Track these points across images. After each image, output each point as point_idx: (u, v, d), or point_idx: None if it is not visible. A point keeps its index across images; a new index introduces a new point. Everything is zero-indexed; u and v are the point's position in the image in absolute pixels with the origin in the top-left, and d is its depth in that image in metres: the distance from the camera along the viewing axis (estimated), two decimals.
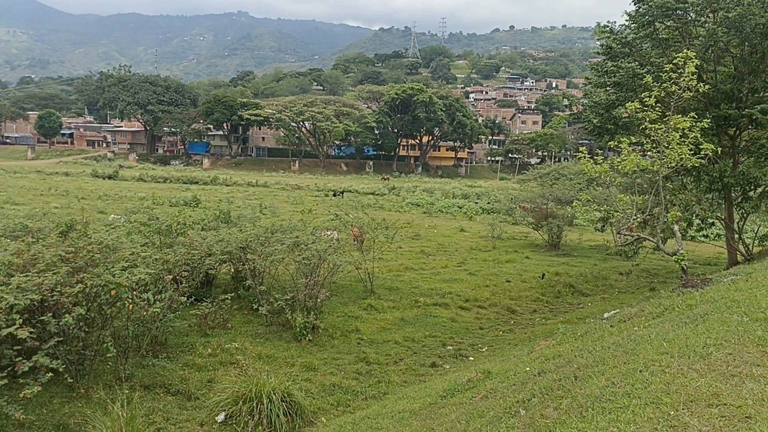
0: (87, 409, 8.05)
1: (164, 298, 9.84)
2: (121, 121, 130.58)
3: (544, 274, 18.96)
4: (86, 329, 8.51)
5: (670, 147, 11.55)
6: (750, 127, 17.09)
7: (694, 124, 11.80)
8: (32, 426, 7.51)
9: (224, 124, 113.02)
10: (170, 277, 10.25)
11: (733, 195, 17.78)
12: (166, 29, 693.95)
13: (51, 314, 7.76)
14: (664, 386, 4.59)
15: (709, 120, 13.67)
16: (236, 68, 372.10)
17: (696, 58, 12.35)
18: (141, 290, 9.24)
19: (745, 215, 18.46)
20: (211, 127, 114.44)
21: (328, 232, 17.96)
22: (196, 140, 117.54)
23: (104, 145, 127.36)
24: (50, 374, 7.27)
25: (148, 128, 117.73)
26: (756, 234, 20.51)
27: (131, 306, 8.66)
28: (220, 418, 8.34)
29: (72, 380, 8.22)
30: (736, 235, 17.85)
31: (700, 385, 4.50)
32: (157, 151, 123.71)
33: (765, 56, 15.43)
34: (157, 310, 9.27)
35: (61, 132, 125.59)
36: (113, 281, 8.20)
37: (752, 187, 16.88)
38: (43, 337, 7.69)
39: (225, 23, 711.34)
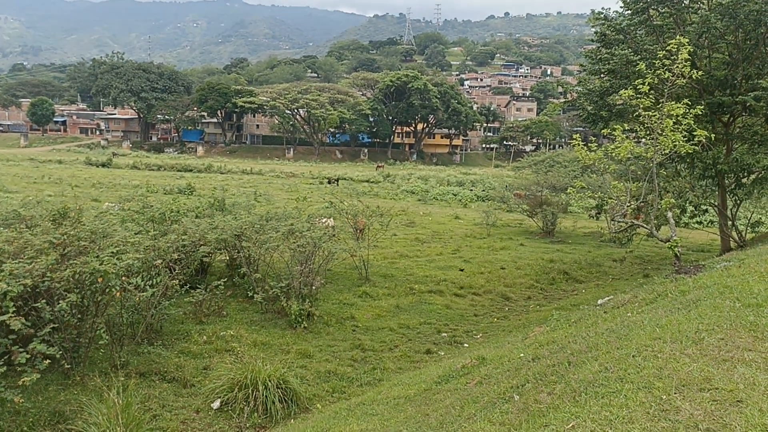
0: (82, 396, 8.07)
1: (158, 283, 9.83)
2: (115, 108, 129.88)
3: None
4: (80, 316, 8.51)
5: (664, 134, 11.57)
6: (744, 113, 17.11)
7: (687, 110, 11.81)
8: (28, 413, 7.52)
9: (218, 112, 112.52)
10: (160, 261, 10.22)
11: (727, 182, 17.83)
12: (159, 16, 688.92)
13: (44, 301, 7.75)
14: (656, 371, 4.62)
15: (702, 107, 13.68)
16: (230, 55, 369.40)
17: (689, 45, 12.35)
18: (131, 276, 9.23)
19: (738, 202, 18.53)
20: (205, 114, 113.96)
21: (324, 220, 17.96)
22: (190, 128, 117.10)
23: (97, 132, 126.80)
24: (48, 361, 7.28)
25: (142, 116, 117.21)
26: (749, 221, 20.61)
27: (119, 293, 8.62)
28: (216, 405, 8.38)
29: (69, 366, 8.23)
30: (729, 222, 17.93)
31: (692, 369, 4.54)
32: (151, 138, 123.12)
33: (759, 43, 15.42)
34: (147, 295, 9.25)
35: (54, 119, 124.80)
36: (100, 269, 8.16)
37: (745, 173, 16.93)
38: (39, 325, 7.69)
39: (218, 10, 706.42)
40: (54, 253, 8.35)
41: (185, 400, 8.64)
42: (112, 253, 8.81)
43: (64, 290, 7.93)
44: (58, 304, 7.73)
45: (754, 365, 4.59)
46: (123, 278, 8.66)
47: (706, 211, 21.29)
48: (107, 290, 8.53)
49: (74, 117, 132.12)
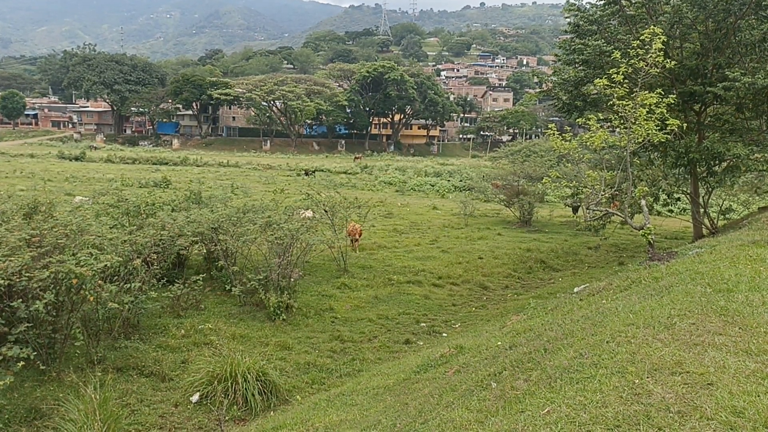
0: (59, 392, 8.00)
1: (133, 287, 9.68)
2: (87, 101, 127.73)
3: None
4: (55, 313, 8.41)
5: (638, 123, 11.71)
6: (714, 103, 17.34)
7: (660, 100, 11.95)
8: (3, 410, 7.44)
9: (193, 104, 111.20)
10: (139, 260, 10.14)
11: (699, 170, 18.07)
12: (132, 6, 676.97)
13: (20, 300, 7.65)
14: (629, 356, 4.71)
15: (675, 96, 13.84)
16: (204, 47, 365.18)
17: (662, 35, 12.48)
18: (108, 276, 9.13)
19: (710, 190, 18.80)
20: (180, 106, 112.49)
21: (302, 212, 17.91)
22: (164, 120, 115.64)
23: (70, 126, 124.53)
24: (21, 363, 7.18)
25: (115, 108, 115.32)
26: (721, 208, 20.94)
27: (92, 297, 8.49)
28: (195, 398, 8.36)
29: (44, 367, 8.13)
30: (702, 210, 18.20)
31: (664, 354, 4.63)
32: (125, 131, 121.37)
33: (728, 33, 15.62)
34: (121, 304, 9.11)
35: (25, 113, 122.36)
36: (75, 271, 8.04)
37: (717, 162, 17.16)
38: (13, 322, 7.59)
39: (192, 0, 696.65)
40: (29, 251, 8.24)
41: (164, 394, 8.60)
42: (90, 253, 8.69)
43: (40, 289, 7.83)
44: (34, 303, 7.62)
45: (725, 349, 4.69)
46: (99, 282, 8.54)
47: (679, 199, 21.59)
48: (81, 291, 8.42)
49: (46, 110, 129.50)
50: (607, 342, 5.24)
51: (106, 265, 8.70)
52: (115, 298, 8.92)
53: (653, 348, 4.81)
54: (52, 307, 8.24)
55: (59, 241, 8.83)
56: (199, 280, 11.84)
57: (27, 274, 7.80)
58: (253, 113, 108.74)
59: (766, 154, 16.55)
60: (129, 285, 9.63)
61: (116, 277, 9.60)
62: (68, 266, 8.05)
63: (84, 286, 8.29)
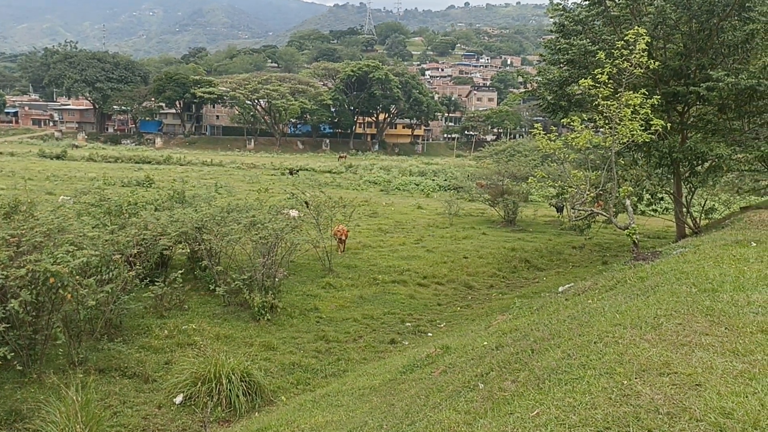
0: (40, 394, 7.88)
1: (115, 278, 9.58)
2: (69, 99, 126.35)
3: None
4: (35, 313, 8.27)
5: (622, 123, 11.76)
6: (698, 103, 17.48)
7: (644, 100, 12.02)
8: None
9: (177, 102, 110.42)
10: (119, 257, 9.99)
11: (682, 170, 18.21)
12: (114, 4, 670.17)
13: None
14: (617, 357, 4.70)
15: (659, 96, 13.92)
16: (188, 45, 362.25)
17: (646, 35, 12.55)
18: (89, 273, 8.99)
19: (692, 189, 18.95)
20: (163, 105, 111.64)
21: (286, 211, 17.80)
22: (147, 119, 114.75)
23: (51, 124, 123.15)
24: None
25: (97, 106, 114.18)
26: (703, 207, 21.11)
27: (69, 295, 8.34)
28: (179, 399, 8.26)
29: (21, 367, 7.99)
30: (685, 209, 18.34)
31: (651, 354, 4.63)
32: (107, 130, 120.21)
33: (712, 34, 15.75)
34: (101, 297, 8.99)
35: (5, 111, 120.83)
36: (51, 269, 7.89)
37: (699, 162, 17.30)
38: None
39: None
40: (7, 250, 8.09)
41: (147, 395, 8.50)
42: (67, 250, 8.55)
43: (18, 288, 7.69)
44: (10, 303, 7.48)
45: (712, 349, 4.70)
46: (77, 278, 8.40)
47: (662, 198, 21.74)
48: (59, 290, 8.28)
49: (26, 108, 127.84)
50: (594, 342, 5.23)
51: (84, 262, 8.55)
52: (95, 294, 8.77)
53: (641, 348, 4.80)
54: (32, 307, 8.10)
55: (38, 241, 8.67)
56: (178, 277, 11.60)
57: (3, 273, 7.66)
58: (237, 112, 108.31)
59: (747, 155, 16.73)
60: (108, 276, 9.48)
61: (97, 277, 9.46)
62: (44, 265, 7.90)
63: (62, 285, 8.15)
